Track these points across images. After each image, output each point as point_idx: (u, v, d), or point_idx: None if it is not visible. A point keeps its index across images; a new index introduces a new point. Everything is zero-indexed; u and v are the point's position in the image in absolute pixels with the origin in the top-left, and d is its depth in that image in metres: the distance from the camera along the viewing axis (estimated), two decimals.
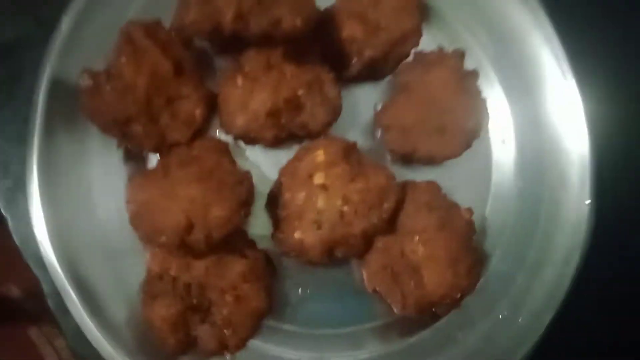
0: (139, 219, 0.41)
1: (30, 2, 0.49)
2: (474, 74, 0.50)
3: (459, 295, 0.45)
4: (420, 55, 0.50)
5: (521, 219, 0.51)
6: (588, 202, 0.49)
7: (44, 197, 0.43)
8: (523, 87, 0.52)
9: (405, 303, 0.45)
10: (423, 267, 0.45)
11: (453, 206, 0.47)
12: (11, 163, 0.46)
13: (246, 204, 0.42)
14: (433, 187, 0.48)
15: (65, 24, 0.44)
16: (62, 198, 0.43)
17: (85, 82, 0.42)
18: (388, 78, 0.52)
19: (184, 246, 0.40)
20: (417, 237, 0.45)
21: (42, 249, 0.42)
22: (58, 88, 0.44)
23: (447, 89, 0.48)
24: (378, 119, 0.49)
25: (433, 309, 0.46)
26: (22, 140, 0.44)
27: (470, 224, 0.47)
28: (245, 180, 0.43)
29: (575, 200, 0.49)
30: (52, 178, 0.43)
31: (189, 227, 0.39)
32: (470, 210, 0.47)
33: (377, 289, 0.46)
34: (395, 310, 0.45)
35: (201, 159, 0.43)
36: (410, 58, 0.50)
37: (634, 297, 0.57)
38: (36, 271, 0.45)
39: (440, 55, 0.50)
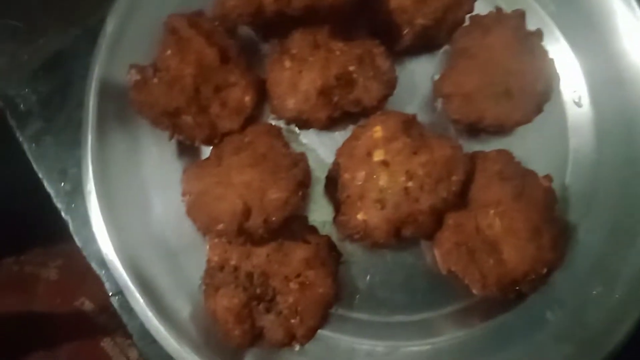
0: (195, 210, 0.40)
1: (76, 15, 0.50)
2: (537, 34, 0.47)
3: (545, 270, 0.41)
4: (477, 19, 0.47)
5: (607, 185, 0.47)
6: None
7: (101, 197, 0.43)
8: (593, 42, 0.48)
9: (485, 282, 0.41)
10: (502, 242, 0.42)
11: (529, 174, 0.44)
12: (68, 167, 0.47)
13: (303, 185, 0.40)
14: (505, 155, 0.44)
15: (109, 25, 0.45)
16: (119, 197, 0.43)
17: (133, 76, 0.42)
18: (444, 48, 0.49)
19: (243, 232, 0.39)
20: (491, 210, 0.42)
21: (103, 249, 0.42)
22: (107, 89, 0.44)
23: (510, 50, 0.45)
24: (437, 89, 0.46)
25: (517, 287, 0.42)
26: (77, 145, 0.45)
27: (550, 192, 0.43)
28: (300, 161, 0.41)
29: None
30: (108, 178, 0.43)
31: (247, 212, 0.38)
32: (549, 177, 0.43)
33: (453, 269, 0.43)
34: (474, 291, 0.42)
35: (254, 144, 0.42)
36: (466, 23, 0.47)
37: None
38: (98, 271, 0.45)
39: (498, 17, 0.47)
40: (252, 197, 0.39)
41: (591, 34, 0.48)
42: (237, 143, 0.42)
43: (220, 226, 0.38)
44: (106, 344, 0.84)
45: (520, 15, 0.47)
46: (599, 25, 0.48)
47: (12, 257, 0.87)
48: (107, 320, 0.85)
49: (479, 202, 0.43)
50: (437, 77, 0.48)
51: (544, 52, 0.46)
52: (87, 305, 0.85)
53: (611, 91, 0.47)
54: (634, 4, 0.47)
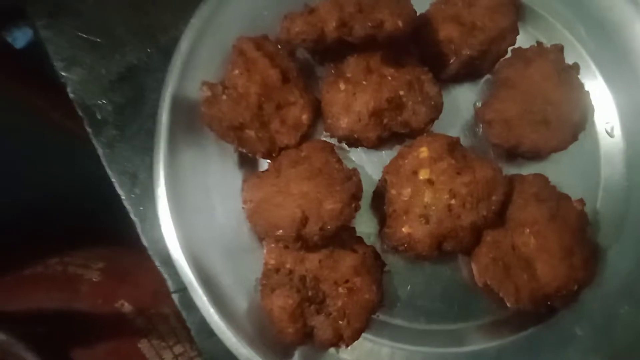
0: (256, 216, 0.43)
1: (150, 33, 0.53)
2: (574, 67, 0.50)
3: (575, 287, 0.44)
4: (519, 51, 0.50)
5: (637, 211, 0.49)
6: None
7: (170, 201, 0.46)
8: (626, 78, 0.51)
9: (518, 296, 0.44)
10: (536, 259, 0.44)
11: (563, 197, 0.46)
12: (139, 173, 0.50)
13: (356, 197, 0.43)
14: (541, 179, 0.47)
15: (183, 45, 0.48)
16: (185, 202, 0.47)
17: (204, 92, 0.46)
18: (486, 77, 0.52)
19: (300, 238, 0.41)
20: (527, 230, 0.45)
21: (170, 249, 0.45)
22: (179, 103, 0.48)
23: (549, 81, 0.48)
24: (480, 115, 0.49)
25: (548, 302, 0.45)
26: (147, 152, 0.48)
27: (582, 215, 0.46)
28: (353, 175, 0.44)
29: None
30: (177, 184, 0.47)
31: (304, 220, 0.41)
32: (582, 201, 0.46)
33: (489, 282, 0.45)
34: (508, 304, 0.44)
35: (310, 159, 0.45)
36: (508, 55, 0.51)
37: None
38: (163, 269, 0.48)
39: (539, 50, 0.50)
40: (310, 206, 0.42)
41: (625, 72, 0.51)
42: (294, 157, 0.46)
43: (280, 232, 0.41)
44: (143, 345, 0.86)
45: (559, 49, 0.50)
46: (633, 64, 0.51)
47: (56, 258, 0.90)
48: (144, 322, 0.86)
49: (516, 221, 0.45)
50: (479, 104, 0.51)
51: (581, 85, 0.49)
52: (126, 307, 0.87)
53: None
54: None
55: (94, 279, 0.88)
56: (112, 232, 0.85)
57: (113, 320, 0.85)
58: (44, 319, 0.79)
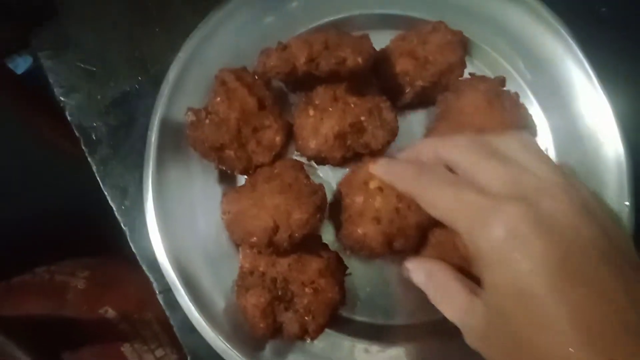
0: (234, 225, 0.48)
1: (141, 64, 0.59)
2: (512, 94, 0.56)
3: None
4: (454, 84, 0.56)
5: None
6: (627, 203, 0.53)
7: (158, 213, 0.51)
8: (559, 105, 0.57)
9: None
10: None
11: None
12: (129, 187, 0.55)
13: (321, 209, 0.49)
14: None
15: (171, 74, 0.54)
16: (171, 213, 0.52)
17: (190, 117, 0.51)
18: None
19: (271, 245, 0.46)
20: None
21: (156, 254, 0.50)
22: (166, 126, 0.53)
23: (480, 111, 0.52)
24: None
25: None
26: (137, 169, 0.53)
27: None
28: (319, 190, 0.50)
29: (616, 202, 0.54)
30: (164, 198, 0.52)
31: (275, 229, 0.46)
32: None
33: None
34: None
35: (282, 175, 0.50)
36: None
37: None
38: (149, 273, 0.53)
39: (469, 82, 0.55)
40: (280, 217, 0.47)
41: (558, 100, 0.57)
42: (268, 174, 0.51)
43: (254, 239, 0.46)
44: (126, 348, 0.88)
45: (500, 80, 0.56)
46: (564, 93, 0.57)
47: (44, 267, 0.93)
48: (127, 327, 0.90)
49: None
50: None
51: (515, 109, 0.54)
52: (110, 313, 0.89)
53: (572, 145, 0.56)
54: (592, 74, 0.56)
55: (80, 287, 0.91)
56: (98, 242, 0.89)
57: (98, 325, 0.89)
58: (33, 324, 0.81)
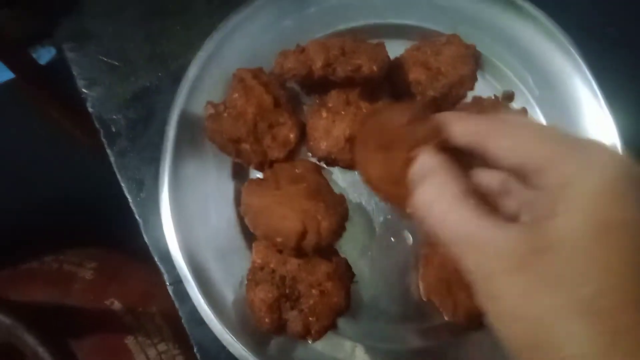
0: (257, 219, 0.49)
1: (161, 61, 0.61)
2: (522, 112, 0.58)
3: None
4: (477, 99, 0.58)
5: None
6: None
7: (172, 206, 0.53)
8: (565, 123, 0.58)
9: (455, 312, 0.50)
10: None
11: None
12: (145, 179, 0.57)
13: (345, 220, 0.51)
14: None
15: (191, 72, 0.56)
16: (185, 207, 0.53)
17: (209, 110, 0.53)
18: None
19: (298, 248, 0.48)
20: None
21: (169, 246, 0.52)
22: (184, 122, 0.55)
23: None
24: None
25: (480, 320, 0.51)
26: (154, 162, 0.55)
27: None
28: (343, 201, 0.51)
29: None
30: (179, 191, 0.53)
31: (304, 234, 0.48)
32: None
33: (432, 299, 0.52)
34: (446, 318, 0.51)
35: (306, 179, 0.52)
36: (469, 99, 0.58)
37: None
38: (161, 264, 0.54)
39: (493, 102, 0.58)
40: (310, 223, 0.48)
41: (564, 116, 0.59)
42: (289, 172, 0.52)
43: (280, 239, 0.48)
44: (129, 341, 0.89)
45: (509, 96, 0.59)
46: (570, 108, 0.59)
47: (52, 256, 0.95)
48: (132, 320, 0.91)
49: None
50: None
51: None
52: (116, 305, 0.91)
53: None
54: (599, 93, 0.58)
55: (87, 277, 0.92)
56: (107, 234, 0.91)
57: (103, 316, 0.90)
58: (39, 311, 0.83)
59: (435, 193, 0.32)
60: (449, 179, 0.32)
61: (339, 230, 0.49)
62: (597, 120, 0.58)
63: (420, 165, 0.34)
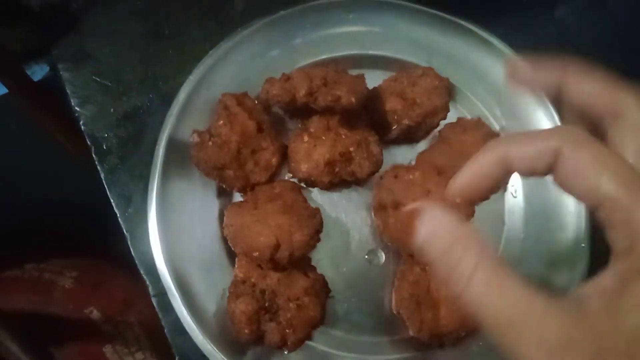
0: (237, 238, 0.52)
1: (153, 82, 0.64)
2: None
3: (464, 334, 0.54)
4: (462, 120, 0.62)
5: (527, 258, 0.60)
6: (583, 245, 0.59)
7: (159, 221, 0.55)
8: None
9: (421, 328, 0.53)
10: (442, 303, 0.53)
11: None
12: (133, 196, 0.59)
13: (318, 232, 0.54)
14: None
15: (181, 95, 0.59)
16: (171, 223, 0.55)
17: (195, 139, 0.55)
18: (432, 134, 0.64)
19: (272, 260, 0.51)
20: None
21: (155, 260, 0.54)
22: (173, 142, 0.57)
23: (476, 147, 0.57)
24: (417, 158, 0.60)
25: (442, 340, 0.54)
26: (143, 179, 0.58)
27: None
28: (317, 214, 0.55)
29: (573, 243, 0.59)
30: (166, 208, 0.56)
31: (277, 246, 0.51)
32: None
33: (401, 312, 0.55)
34: (411, 333, 0.54)
35: (283, 196, 0.55)
36: (441, 126, 0.62)
37: None
38: (146, 277, 0.57)
39: (477, 123, 0.62)
40: (283, 236, 0.51)
41: None
42: (269, 193, 0.55)
43: (256, 253, 0.51)
44: (107, 349, 0.91)
45: (480, 123, 0.62)
46: None
47: (34, 264, 0.96)
48: (110, 329, 0.92)
49: None
50: (413, 162, 0.63)
51: None
52: (95, 314, 0.92)
53: (538, 190, 0.62)
54: (559, 124, 0.61)
55: (67, 286, 0.94)
56: (88, 245, 0.92)
57: (82, 324, 0.91)
58: (22, 318, 0.84)
59: (473, 263, 0.26)
60: (484, 246, 0.27)
61: (311, 241, 0.52)
62: None
63: (440, 227, 0.29)
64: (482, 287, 0.26)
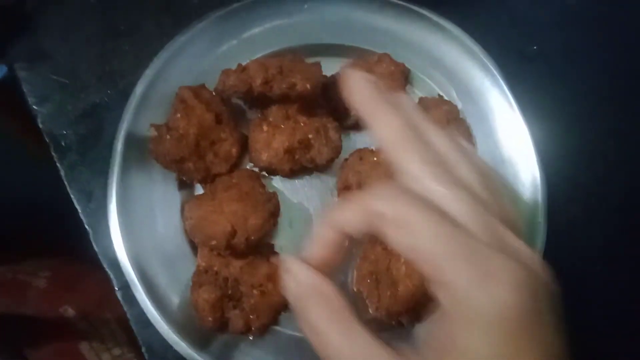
0: (196, 230, 0.53)
1: (110, 79, 0.64)
2: (466, 122, 0.64)
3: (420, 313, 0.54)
4: (423, 99, 0.63)
5: None
6: (540, 220, 0.61)
7: (120, 215, 0.55)
8: (485, 133, 0.64)
9: (379, 306, 0.54)
10: (400, 282, 0.54)
11: None
12: (94, 191, 0.59)
13: (274, 215, 0.54)
14: None
15: (138, 89, 0.59)
16: (132, 216, 0.56)
17: (152, 133, 0.56)
18: None
19: (229, 247, 0.51)
20: (402, 259, 0.54)
21: (117, 253, 0.54)
22: (131, 137, 0.57)
23: (441, 125, 0.58)
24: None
25: (399, 318, 0.55)
26: (103, 175, 0.57)
27: None
28: (272, 197, 0.55)
29: (529, 219, 0.61)
30: (126, 202, 0.56)
31: (233, 233, 0.51)
32: None
33: (361, 289, 0.56)
34: (370, 310, 0.55)
35: (240, 184, 0.55)
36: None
37: (582, 305, 0.66)
38: (110, 271, 0.57)
39: (439, 101, 0.63)
40: (237, 222, 0.52)
41: (484, 126, 0.64)
42: (226, 183, 0.56)
43: (214, 242, 0.51)
44: (83, 346, 0.91)
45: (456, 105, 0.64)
46: (490, 120, 0.65)
47: (6, 266, 0.95)
48: (86, 326, 0.92)
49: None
50: (373, 147, 0.64)
51: (468, 134, 0.62)
52: (70, 312, 0.91)
53: (494, 167, 0.63)
54: (515, 106, 0.64)
55: (41, 286, 0.93)
56: (61, 244, 0.92)
57: (57, 324, 0.91)
58: None
59: (325, 318, 0.31)
60: (337, 299, 0.32)
61: (266, 224, 0.53)
62: (513, 130, 0.64)
63: (294, 280, 0.33)
64: (334, 338, 0.29)
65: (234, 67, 0.57)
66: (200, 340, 0.54)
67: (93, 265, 0.96)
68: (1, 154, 0.80)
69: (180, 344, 0.54)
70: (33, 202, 0.92)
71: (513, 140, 0.64)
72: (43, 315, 0.90)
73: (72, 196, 0.60)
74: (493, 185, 0.32)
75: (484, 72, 0.66)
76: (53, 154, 0.60)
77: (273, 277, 0.55)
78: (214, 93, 0.60)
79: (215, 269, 0.54)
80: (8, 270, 0.94)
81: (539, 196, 0.62)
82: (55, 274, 0.95)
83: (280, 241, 0.60)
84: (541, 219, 0.61)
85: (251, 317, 0.54)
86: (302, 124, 0.59)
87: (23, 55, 0.64)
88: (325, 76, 0.61)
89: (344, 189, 0.59)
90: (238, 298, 0.54)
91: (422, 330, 0.30)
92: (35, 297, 0.91)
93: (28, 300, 0.91)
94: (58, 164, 0.60)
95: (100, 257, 0.58)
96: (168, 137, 0.56)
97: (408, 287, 0.54)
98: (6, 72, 0.65)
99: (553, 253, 0.56)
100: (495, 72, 0.65)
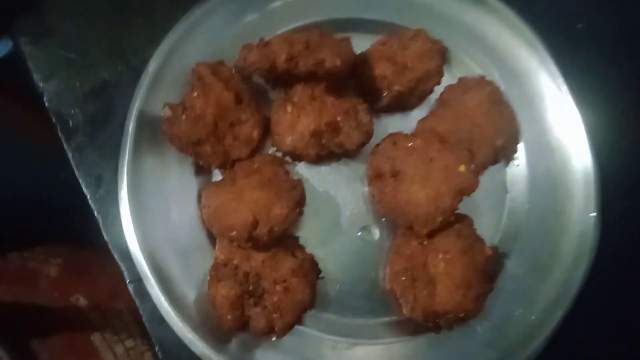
0: (213, 219, 0.49)
1: (121, 54, 0.60)
2: (510, 104, 0.58)
3: (462, 315, 0.50)
4: (463, 80, 0.58)
5: (533, 229, 0.57)
6: (593, 214, 0.55)
7: (132, 202, 0.52)
8: (531, 117, 0.59)
9: (414, 306, 0.50)
10: (439, 281, 0.50)
11: (479, 240, 0.52)
12: (104, 175, 0.56)
13: (300, 204, 0.50)
14: (467, 220, 0.53)
15: (151, 66, 0.55)
16: (145, 203, 0.52)
17: (166, 113, 0.52)
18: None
19: (251, 239, 0.47)
20: (441, 255, 0.51)
21: (128, 244, 0.51)
22: (144, 116, 0.53)
23: (480, 108, 0.55)
24: (418, 125, 0.56)
25: (437, 320, 0.51)
26: (113, 158, 0.54)
27: (489, 259, 0.52)
28: (298, 185, 0.51)
29: (582, 213, 0.56)
30: (138, 188, 0.52)
31: (255, 223, 0.47)
32: (492, 248, 0.52)
33: (395, 287, 0.52)
34: (404, 311, 0.51)
35: (261, 170, 0.51)
36: (436, 95, 0.58)
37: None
38: (121, 262, 0.53)
39: (479, 82, 0.58)
40: (260, 211, 0.48)
41: (530, 110, 0.59)
42: (247, 168, 0.51)
43: (234, 233, 0.47)
44: (95, 338, 0.88)
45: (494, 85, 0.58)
46: (535, 104, 0.59)
47: (16, 253, 0.93)
48: (98, 317, 0.89)
49: (434, 245, 0.51)
50: (407, 131, 0.58)
51: (512, 117, 0.57)
52: (82, 301, 0.89)
53: (542, 156, 0.58)
54: (565, 88, 0.58)
55: (52, 274, 0.90)
56: (72, 230, 0.89)
57: (68, 313, 0.88)
58: (3, 311, 0.81)
59: None
60: None
61: (291, 214, 0.49)
62: (563, 115, 0.59)
63: None
64: None
65: (255, 42, 0.52)
66: (217, 339, 0.51)
67: (105, 253, 0.93)
68: (6, 137, 0.76)
69: (196, 344, 0.50)
70: (44, 188, 0.89)
71: (563, 126, 0.58)
72: (54, 304, 0.88)
73: (80, 180, 0.55)
74: None
75: (530, 51, 0.60)
76: (60, 135, 0.56)
77: (298, 271, 0.50)
78: (233, 70, 0.55)
79: (235, 262, 0.50)
80: (18, 257, 0.92)
81: (592, 188, 0.56)
82: (67, 262, 0.93)
83: (305, 233, 0.56)
84: (595, 212, 0.55)
85: (274, 315, 0.49)
86: (329, 105, 0.54)
87: (28, 29, 0.59)
88: (355, 53, 0.55)
89: (376, 177, 0.53)
90: (259, 295, 0.50)
91: None
92: (46, 286, 0.89)
93: (39, 289, 0.89)
94: (65, 146, 0.56)
95: (110, 247, 0.54)
96: (183, 117, 0.52)
97: (447, 285, 0.50)
98: (11, 49, 0.61)
99: (607, 250, 0.52)
100: (544, 51, 0.59)
